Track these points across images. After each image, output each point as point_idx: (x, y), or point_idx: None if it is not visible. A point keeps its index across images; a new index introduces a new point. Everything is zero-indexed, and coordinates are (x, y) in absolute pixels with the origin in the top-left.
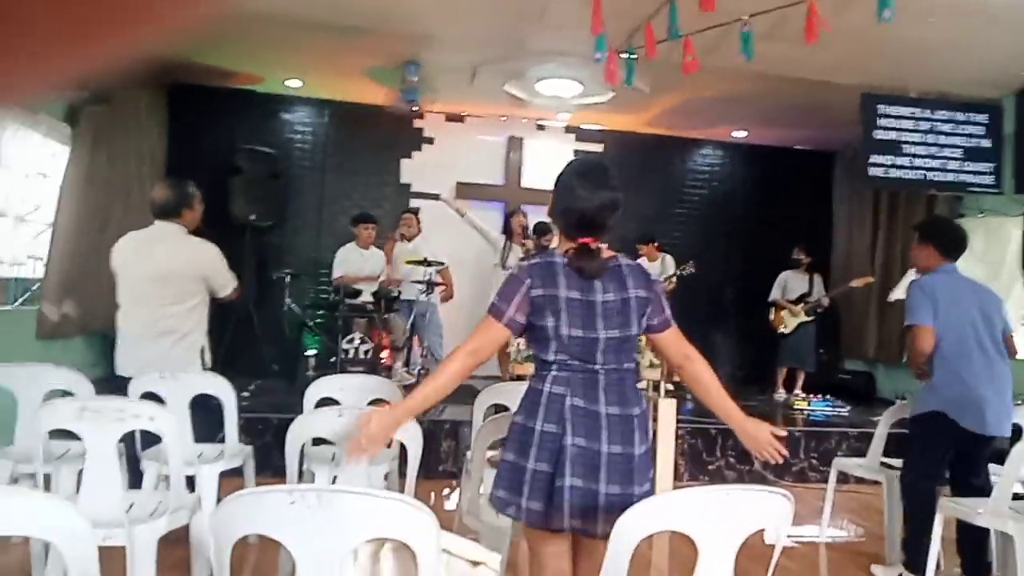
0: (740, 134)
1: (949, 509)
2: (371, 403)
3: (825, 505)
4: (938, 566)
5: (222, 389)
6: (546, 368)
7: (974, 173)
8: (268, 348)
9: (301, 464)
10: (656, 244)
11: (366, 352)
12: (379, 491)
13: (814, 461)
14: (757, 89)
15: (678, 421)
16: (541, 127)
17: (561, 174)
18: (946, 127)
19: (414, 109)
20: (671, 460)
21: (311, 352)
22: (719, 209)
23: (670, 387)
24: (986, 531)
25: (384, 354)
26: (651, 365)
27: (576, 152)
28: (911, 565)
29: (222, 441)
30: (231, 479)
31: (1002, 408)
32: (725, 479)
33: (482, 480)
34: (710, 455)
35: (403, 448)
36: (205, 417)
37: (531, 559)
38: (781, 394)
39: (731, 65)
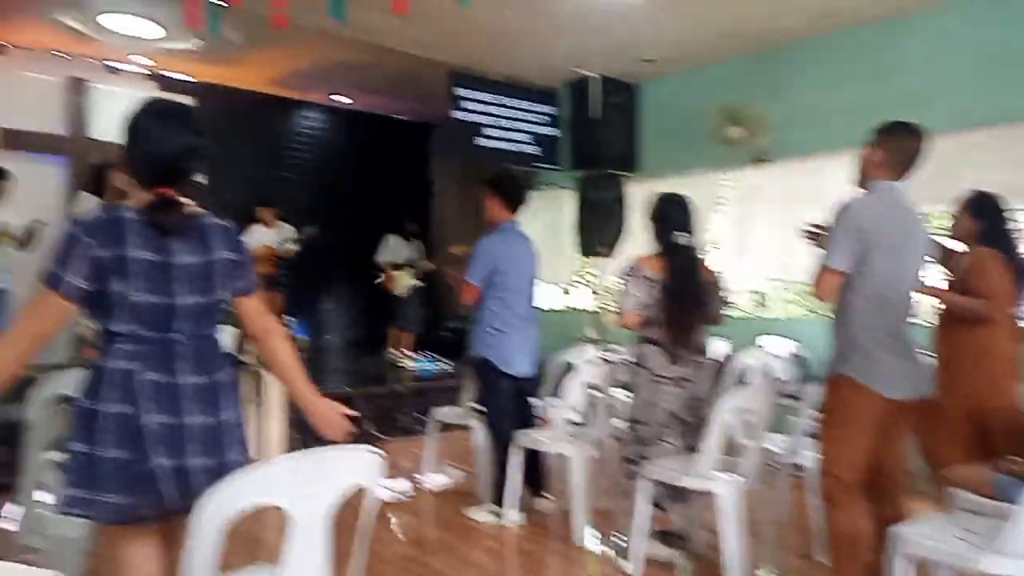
0: (343, 99)
1: (524, 440)
2: None
3: (426, 455)
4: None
5: None
6: (112, 340)
7: (541, 150)
8: None
9: None
10: (275, 210)
11: None
12: None
13: (418, 415)
14: (357, 56)
15: None
16: (113, 70)
17: (134, 115)
18: (519, 109)
19: None
20: (281, 434)
21: None
22: (325, 173)
23: None
24: (539, 453)
25: None
26: None
27: None
28: (497, 497)
29: None
30: None
31: (528, 353)
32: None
33: (39, 486)
34: None
35: None
36: None
37: (112, 567)
38: (393, 353)
39: (329, 27)
